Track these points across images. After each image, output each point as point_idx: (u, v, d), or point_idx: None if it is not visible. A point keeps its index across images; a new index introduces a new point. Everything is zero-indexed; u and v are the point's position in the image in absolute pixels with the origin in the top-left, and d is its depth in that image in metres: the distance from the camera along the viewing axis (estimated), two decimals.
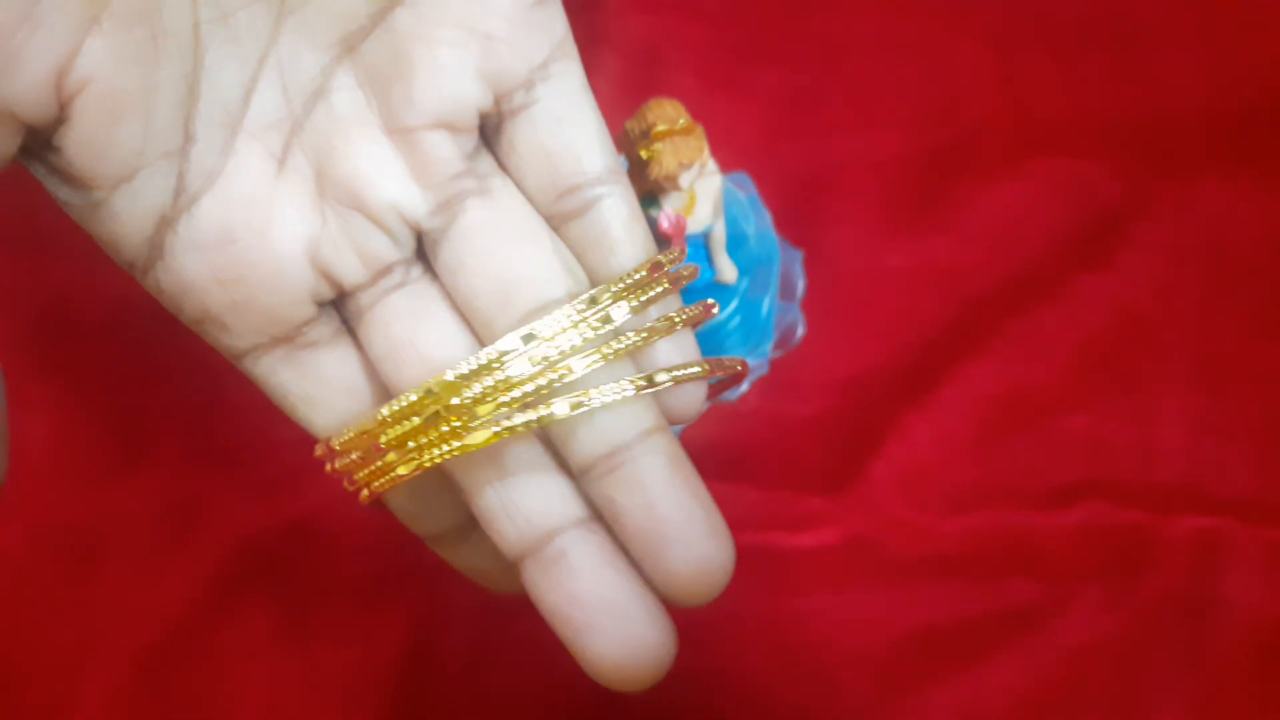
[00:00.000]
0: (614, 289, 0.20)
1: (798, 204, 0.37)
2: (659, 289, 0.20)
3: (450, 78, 0.20)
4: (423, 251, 0.21)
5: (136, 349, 0.35)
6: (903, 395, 0.35)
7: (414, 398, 0.19)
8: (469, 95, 0.20)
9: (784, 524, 0.33)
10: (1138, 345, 0.35)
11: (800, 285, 0.35)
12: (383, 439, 0.20)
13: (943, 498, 0.34)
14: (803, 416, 0.35)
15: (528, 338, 0.19)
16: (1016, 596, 0.32)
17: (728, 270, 0.32)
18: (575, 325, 0.19)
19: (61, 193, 0.19)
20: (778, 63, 0.39)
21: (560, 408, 0.19)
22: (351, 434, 0.20)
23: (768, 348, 0.34)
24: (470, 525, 0.21)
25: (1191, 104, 0.38)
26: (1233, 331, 0.35)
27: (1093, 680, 0.32)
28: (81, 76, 0.18)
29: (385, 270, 0.21)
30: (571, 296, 0.20)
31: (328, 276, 0.20)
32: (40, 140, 0.19)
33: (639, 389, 0.19)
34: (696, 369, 0.20)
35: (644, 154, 0.28)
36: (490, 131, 0.21)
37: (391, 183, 0.20)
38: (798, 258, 0.35)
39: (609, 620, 0.19)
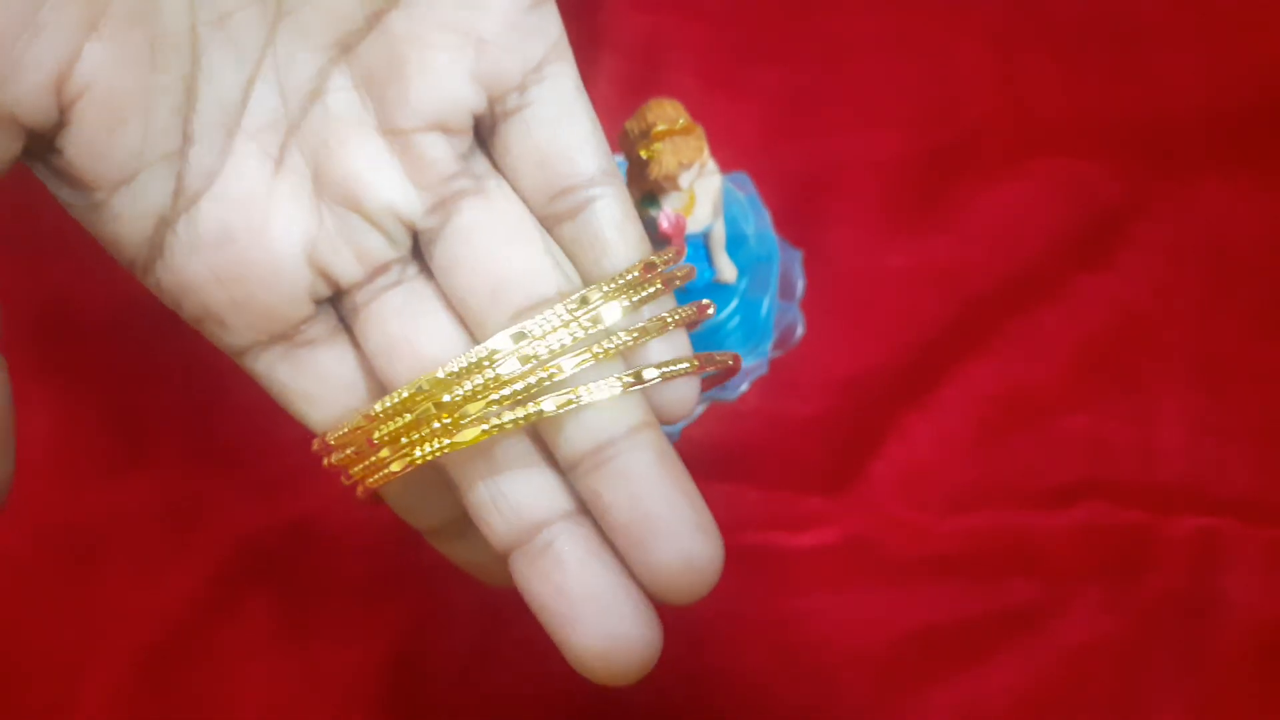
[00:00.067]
0: (605, 289, 0.20)
1: (797, 204, 0.37)
2: (651, 289, 0.20)
3: (444, 81, 0.20)
4: (418, 250, 0.21)
5: (136, 349, 0.35)
6: (903, 395, 0.35)
7: (405, 394, 0.20)
8: (463, 98, 0.20)
9: (784, 524, 0.33)
10: (1138, 345, 0.35)
11: (800, 285, 0.35)
12: (376, 435, 0.20)
13: (943, 498, 0.34)
14: (803, 416, 0.35)
15: (518, 336, 0.19)
16: (1016, 596, 0.32)
17: (727, 270, 0.32)
18: (566, 325, 0.19)
19: (63, 193, 0.20)
20: (778, 63, 0.39)
21: (548, 405, 0.19)
22: (346, 430, 0.20)
23: (767, 347, 0.34)
24: (467, 519, 0.21)
25: (1191, 104, 0.38)
26: (1233, 331, 0.35)
27: (1093, 680, 0.32)
28: (81, 81, 0.18)
29: (381, 269, 0.21)
30: (563, 296, 0.20)
31: (325, 275, 0.20)
32: (42, 143, 0.19)
33: (626, 386, 0.19)
34: (685, 364, 0.20)
35: (644, 154, 0.28)
36: (485, 132, 0.21)
37: (387, 183, 0.20)
38: (797, 257, 0.35)
39: (593, 613, 0.19)
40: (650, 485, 0.20)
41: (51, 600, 0.32)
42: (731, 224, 0.33)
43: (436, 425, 0.19)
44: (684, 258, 0.22)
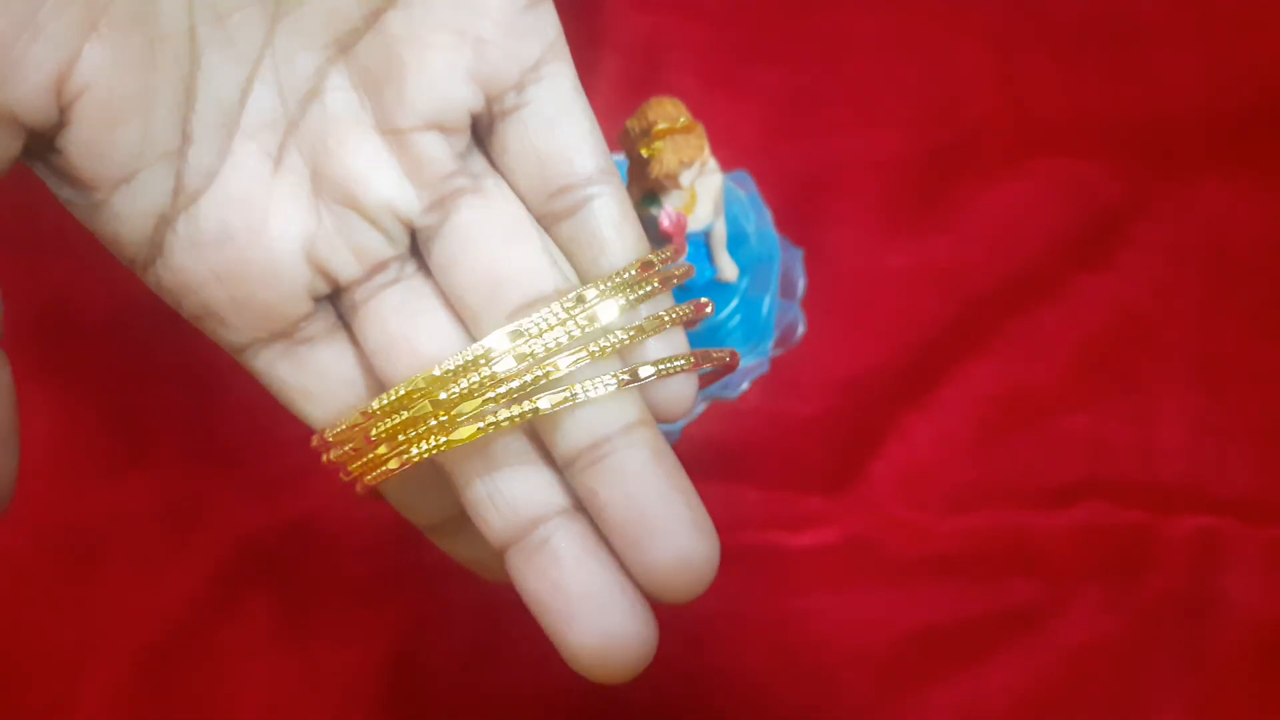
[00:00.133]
0: (602, 287, 0.20)
1: (798, 203, 0.37)
2: (649, 288, 0.20)
3: (441, 80, 0.20)
4: (417, 248, 0.21)
5: (136, 349, 0.35)
6: (903, 395, 0.35)
7: (402, 392, 0.20)
8: (460, 97, 0.20)
9: (784, 524, 0.33)
10: (1138, 345, 0.35)
11: (801, 284, 0.35)
12: (373, 432, 0.20)
13: (943, 498, 0.34)
14: (803, 416, 0.35)
15: (515, 334, 0.19)
16: (1016, 596, 0.32)
17: (728, 269, 0.32)
18: (563, 323, 0.20)
19: (64, 192, 0.20)
20: (778, 63, 0.39)
21: (544, 403, 0.19)
22: (344, 426, 0.21)
23: (768, 346, 0.34)
24: (466, 516, 0.21)
25: (1191, 104, 0.38)
26: (1233, 331, 0.35)
27: (1093, 680, 0.32)
28: (81, 81, 0.18)
29: (380, 266, 0.21)
30: (560, 294, 0.20)
31: (324, 273, 0.21)
32: (42, 143, 0.19)
33: (621, 383, 0.19)
34: (681, 361, 0.20)
35: (645, 152, 0.28)
36: (483, 132, 0.21)
37: (385, 181, 0.20)
38: (798, 256, 0.35)
39: (589, 610, 0.19)
40: (645, 483, 0.20)
41: (51, 600, 0.33)
42: (732, 223, 0.33)
43: (433, 423, 0.19)
44: (684, 256, 0.22)
